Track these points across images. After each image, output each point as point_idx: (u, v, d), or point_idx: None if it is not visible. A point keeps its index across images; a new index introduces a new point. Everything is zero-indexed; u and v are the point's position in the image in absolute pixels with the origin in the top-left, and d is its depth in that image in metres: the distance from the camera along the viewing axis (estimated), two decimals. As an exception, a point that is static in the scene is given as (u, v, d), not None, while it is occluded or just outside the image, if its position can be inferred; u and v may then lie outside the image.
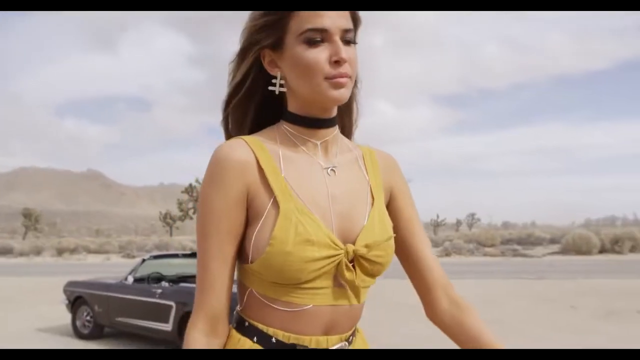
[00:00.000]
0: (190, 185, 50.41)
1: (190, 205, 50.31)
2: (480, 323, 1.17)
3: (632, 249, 23.67)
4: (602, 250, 23.93)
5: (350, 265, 1.08)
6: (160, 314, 6.29)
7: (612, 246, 23.89)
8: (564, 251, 24.71)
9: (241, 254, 1.11)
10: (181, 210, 50.86)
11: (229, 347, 1.11)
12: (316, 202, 1.09)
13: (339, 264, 1.07)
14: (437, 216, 70.63)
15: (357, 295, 1.11)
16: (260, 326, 1.10)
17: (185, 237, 53.23)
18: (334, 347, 1.10)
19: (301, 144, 1.14)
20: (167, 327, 6.19)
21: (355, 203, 1.14)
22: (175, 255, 7.85)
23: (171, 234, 54.42)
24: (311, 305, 1.08)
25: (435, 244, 29.30)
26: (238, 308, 1.15)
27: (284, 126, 1.15)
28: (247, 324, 1.11)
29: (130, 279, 7.05)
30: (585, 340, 6.55)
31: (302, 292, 1.07)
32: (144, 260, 7.25)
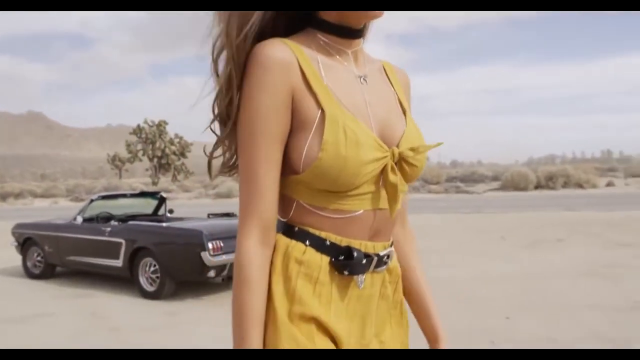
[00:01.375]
0: (139, 126, 49.21)
1: (140, 147, 49.30)
2: (414, 255, 1.29)
3: (565, 185, 25.15)
4: (538, 186, 25.31)
5: (395, 168, 1.09)
6: (110, 251, 6.53)
7: (547, 182, 25.28)
8: (503, 188, 25.99)
9: (284, 166, 1.07)
10: (130, 152, 49.80)
11: (277, 255, 1.07)
12: (356, 107, 1.09)
13: (384, 167, 1.08)
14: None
15: (397, 201, 1.10)
16: (312, 230, 1.08)
17: (136, 180, 52.54)
18: (382, 253, 1.12)
19: (335, 52, 1.13)
20: (118, 263, 6.45)
21: (390, 110, 1.15)
22: (124, 195, 7.99)
23: (120, 177, 53.49)
24: (361, 211, 1.09)
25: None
26: (282, 219, 1.12)
27: (317, 34, 1.12)
28: (296, 229, 1.09)
29: (79, 219, 7.19)
30: (508, 266, 7.23)
31: (351, 198, 1.07)
32: (92, 201, 7.37)
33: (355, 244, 1.08)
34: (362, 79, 1.14)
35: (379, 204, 1.10)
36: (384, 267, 1.13)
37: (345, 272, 1.07)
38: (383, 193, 1.10)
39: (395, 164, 1.09)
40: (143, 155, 49.57)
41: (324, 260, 1.07)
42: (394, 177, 1.08)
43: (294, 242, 1.07)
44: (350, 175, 1.04)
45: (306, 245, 1.07)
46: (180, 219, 7.47)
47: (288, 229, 1.09)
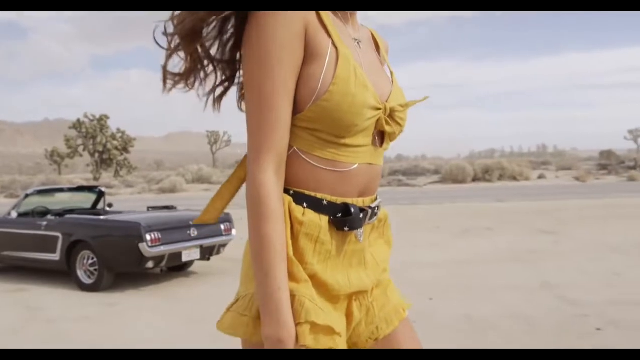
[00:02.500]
0: (79, 120, 47.63)
1: (80, 142, 47.75)
2: None
3: (500, 178, 26.32)
4: (475, 179, 26.37)
5: (388, 120, 1.14)
6: (47, 245, 6.48)
7: (483, 175, 26.39)
8: (443, 180, 26.93)
9: None
10: (70, 148, 48.13)
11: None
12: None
13: (378, 120, 1.12)
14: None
15: (381, 156, 1.19)
16: (308, 192, 1.10)
17: (76, 176, 50.80)
18: (374, 205, 1.18)
19: (340, 12, 1.17)
20: (55, 257, 6.41)
21: (379, 73, 1.20)
22: (61, 190, 7.89)
23: (60, 172, 51.65)
24: (356, 165, 1.12)
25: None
26: None
27: None
28: (292, 192, 1.10)
29: (14, 214, 7.08)
30: (439, 253, 7.63)
31: (348, 150, 1.10)
32: (27, 195, 7.25)
33: (348, 201, 1.12)
34: (357, 42, 1.17)
35: (371, 159, 1.15)
36: (375, 218, 1.19)
37: (346, 228, 1.12)
38: (374, 148, 1.15)
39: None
40: (84, 150, 48.05)
41: (322, 219, 1.10)
42: (390, 128, 1.14)
43: (293, 204, 1.08)
44: (354, 115, 1.06)
45: (304, 207, 1.09)
46: (119, 212, 7.47)
47: (285, 192, 1.09)
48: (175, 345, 4.01)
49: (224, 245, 6.68)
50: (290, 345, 1.01)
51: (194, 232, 6.23)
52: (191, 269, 7.01)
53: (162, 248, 5.83)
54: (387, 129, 1.14)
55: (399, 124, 1.17)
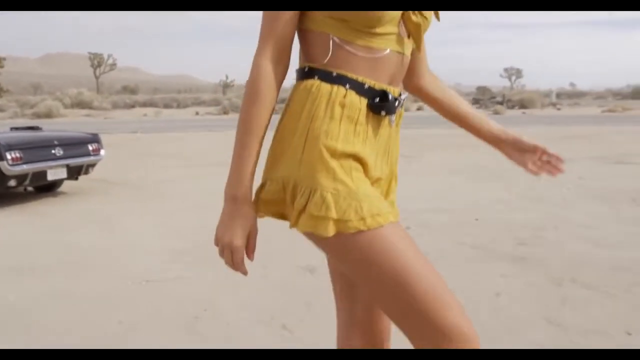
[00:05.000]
0: None
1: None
2: (446, 88, 1.43)
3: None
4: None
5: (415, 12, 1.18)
6: None
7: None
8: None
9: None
10: None
11: (321, 101, 1.13)
12: None
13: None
14: (227, 77, 71.24)
15: (421, 39, 1.22)
16: (350, 74, 1.14)
17: None
18: (403, 96, 1.23)
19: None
20: None
21: None
22: None
23: None
24: (388, 50, 1.16)
25: (217, 104, 30.23)
26: (315, 65, 1.17)
27: None
28: (334, 74, 1.14)
29: None
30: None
31: (378, 37, 1.15)
32: None
33: (384, 87, 1.17)
34: None
35: (401, 47, 1.19)
36: (402, 108, 1.26)
37: (382, 113, 1.18)
38: (403, 38, 1.19)
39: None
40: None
41: (362, 102, 1.15)
42: (416, 18, 1.17)
43: (335, 87, 1.13)
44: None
45: (346, 89, 1.14)
46: (-21, 133, 7.25)
47: (327, 75, 1.15)
48: (36, 249, 4.27)
49: (92, 165, 6.80)
50: (244, 204, 1.14)
51: (59, 152, 6.29)
52: (60, 189, 7.08)
53: (25, 167, 5.88)
54: (413, 18, 1.17)
55: (425, 17, 1.20)
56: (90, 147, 6.66)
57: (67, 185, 7.13)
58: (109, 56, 71.74)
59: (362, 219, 1.10)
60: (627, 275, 3.55)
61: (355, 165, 1.14)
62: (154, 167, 9.08)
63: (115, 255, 4.17)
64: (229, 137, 10.17)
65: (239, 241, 1.15)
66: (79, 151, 6.54)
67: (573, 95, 52.74)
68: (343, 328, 1.37)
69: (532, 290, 3.32)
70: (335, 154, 1.12)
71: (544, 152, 1.39)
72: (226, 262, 1.17)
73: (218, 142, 13.02)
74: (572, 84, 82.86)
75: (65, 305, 3.15)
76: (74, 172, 6.57)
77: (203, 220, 4.98)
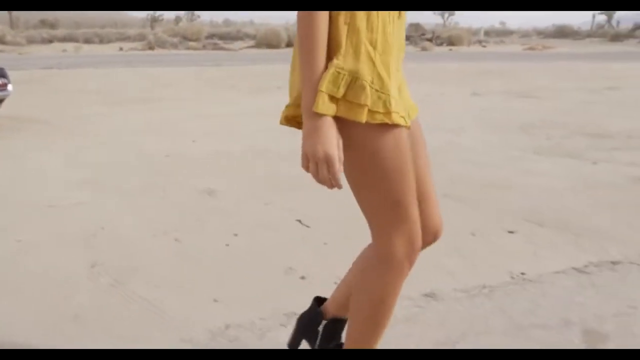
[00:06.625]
0: None
1: None
2: None
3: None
4: (289, 45, 27.21)
5: None
6: None
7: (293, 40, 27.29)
8: (258, 45, 27.35)
9: None
10: None
11: None
12: None
13: None
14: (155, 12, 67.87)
15: None
16: None
17: None
18: None
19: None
20: None
21: None
22: None
23: None
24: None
25: (142, 39, 29.04)
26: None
27: None
28: None
29: None
30: (227, 107, 8.33)
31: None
32: None
33: None
34: None
35: None
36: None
37: None
38: None
39: None
40: None
41: None
42: None
43: None
44: None
45: None
46: None
47: None
48: None
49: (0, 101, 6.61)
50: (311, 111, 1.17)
51: (-39, 85, 6.08)
52: (-36, 124, 6.85)
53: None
54: None
55: None
56: (-5, 82, 6.45)
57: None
58: (23, -15, 66.19)
59: (389, 113, 1.20)
60: (491, 190, 4.02)
61: (388, 60, 1.23)
62: (69, 104, 8.85)
63: (19, 185, 4.23)
64: (152, 73, 10.20)
65: (334, 150, 1.17)
66: (-16, 86, 6.33)
67: (501, 34, 54.05)
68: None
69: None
70: (377, 47, 1.20)
71: None
72: (321, 179, 1.19)
73: (140, 78, 12.72)
74: (502, 23, 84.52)
75: (-36, 229, 3.25)
76: (-21, 107, 6.38)
77: (111, 155, 5.08)
